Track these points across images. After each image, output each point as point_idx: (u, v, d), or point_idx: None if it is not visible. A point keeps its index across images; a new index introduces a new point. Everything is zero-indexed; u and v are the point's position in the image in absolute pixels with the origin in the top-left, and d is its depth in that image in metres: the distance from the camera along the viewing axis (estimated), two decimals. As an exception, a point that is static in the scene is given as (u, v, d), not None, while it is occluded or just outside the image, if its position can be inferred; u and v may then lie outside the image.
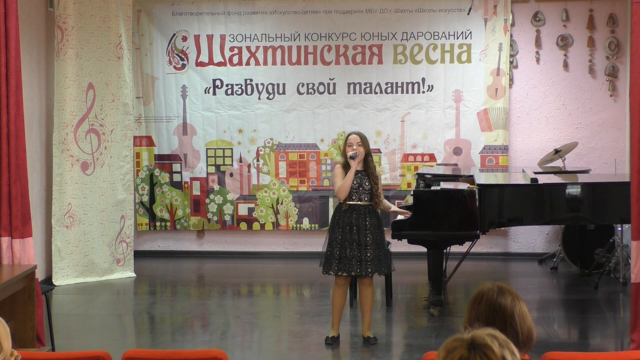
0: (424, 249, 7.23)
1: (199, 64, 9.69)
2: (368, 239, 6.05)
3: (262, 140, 9.71)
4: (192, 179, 9.80)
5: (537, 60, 9.43)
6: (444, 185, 7.26)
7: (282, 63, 9.62)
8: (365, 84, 9.55)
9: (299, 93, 9.63)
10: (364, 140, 6.11)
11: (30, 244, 5.86)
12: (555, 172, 8.29)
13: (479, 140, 9.43)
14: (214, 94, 9.70)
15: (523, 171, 8.36)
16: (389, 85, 9.52)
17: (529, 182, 7.13)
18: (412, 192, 7.14)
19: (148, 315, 7.51)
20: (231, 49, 9.65)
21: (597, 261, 8.30)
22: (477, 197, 6.75)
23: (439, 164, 9.34)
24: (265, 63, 9.64)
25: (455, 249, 7.65)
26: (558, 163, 8.79)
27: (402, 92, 9.51)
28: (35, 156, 8.23)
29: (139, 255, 9.35)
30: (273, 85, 9.65)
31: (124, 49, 8.71)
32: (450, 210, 6.82)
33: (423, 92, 9.48)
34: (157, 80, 9.71)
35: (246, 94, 9.68)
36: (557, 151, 8.61)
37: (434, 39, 9.43)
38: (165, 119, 9.75)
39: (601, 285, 7.94)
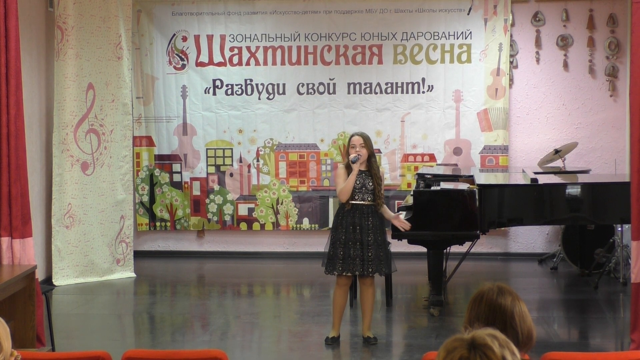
0: (424, 249, 7.23)
1: (199, 64, 9.69)
2: (370, 238, 6.05)
3: (262, 141, 9.71)
4: (192, 179, 9.80)
5: (537, 60, 9.43)
6: (444, 185, 7.25)
7: (282, 63, 9.62)
8: (365, 84, 9.55)
9: (299, 93, 9.63)
10: (366, 142, 6.09)
11: (30, 244, 5.86)
12: (555, 172, 8.29)
13: (479, 140, 9.43)
14: (214, 94, 9.70)
15: (523, 171, 8.36)
16: (389, 85, 9.52)
17: (529, 182, 7.13)
18: (412, 192, 7.14)
19: (148, 315, 7.51)
20: (231, 49, 9.65)
21: (597, 261, 8.30)
22: (477, 197, 6.75)
23: (439, 164, 9.34)
24: (265, 63, 9.64)
25: (455, 249, 7.64)
26: (558, 163, 8.79)
27: (402, 92, 9.51)
28: (35, 156, 8.23)
29: (139, 255, 9.35)
30: (273, 85, 9.65)
31: (124, 49, 8.71)
32: (450, 211, 6.82)
33: (423, 92, 9.48)
34: (157, 80, 9.71)
35: (246, 94, 9.68)
36: (557, 151, 8.61)
37: (434, 39, 9.43)
38: (165, 119, 9.75)
39: (601, 285, 7.94)
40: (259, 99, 9.67)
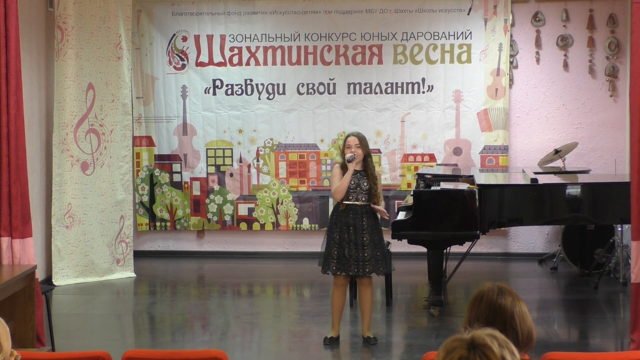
0: (424, 249, 7.23)
1: (199, 64, 9.69)
2: (365, 239, 6.04)
3: (262, 141, 9.71)
4: (192, 179, 9.80)
5: (537, 60, 9.43)
6: (444, 185, 7.25)
7: (282, 63, 9.62)
8: (365, 84, 9.55)
9: (299, 93, 9.63)
10: (362, 142, 6.09)
11: (30, 244, 5.86)
12: (555, 172, 8.29)
13: (479, 140, 9.43)
14: (214, 94, 9.70)
15: (523, 171, 8.36)
16: (389, 85, 9.52)
17: (529, 182, 7.13)
18: (412, 192, 7.14)
19: (148, 315, 7.51)
20: (231, 49, 9.65)
21: (597, 261, 8.30)
22: (477, 197, 6.75)
23: (439, 164, 9.34)
24: (265, 63, 9.64)
25: (455, 249, 7.64)
26: (558, 163, 8.79)
27: (402, 92, 9.51)
28: (35, 156, 8.23)
29: (139, 255, 9.35)
30: (273, 85, 9.65)
31: (124, 49, 8.71)
32: (450, 211, 6.82)
33: (423, 92, 9.48)
34: (157, 80, 9.71)
35: (246, 94, 9.68)
36: (557, 151, 8.61)
37: (434, 39, 9.43)
38: (165, 119, 9.75)
39: (601, 285, 7.94)
40: (259, 99, 9.67)
